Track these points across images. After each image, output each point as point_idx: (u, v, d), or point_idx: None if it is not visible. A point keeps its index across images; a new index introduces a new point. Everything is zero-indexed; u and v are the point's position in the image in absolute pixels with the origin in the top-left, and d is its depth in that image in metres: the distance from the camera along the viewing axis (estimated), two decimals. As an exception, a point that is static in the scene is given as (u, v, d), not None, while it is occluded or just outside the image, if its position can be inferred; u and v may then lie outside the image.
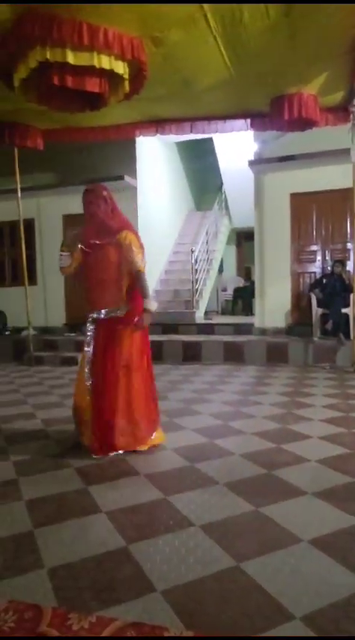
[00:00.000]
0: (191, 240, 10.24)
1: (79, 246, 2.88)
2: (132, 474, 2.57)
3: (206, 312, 9.52)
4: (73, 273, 2.99)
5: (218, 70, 3.86)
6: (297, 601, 1.48)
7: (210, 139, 9.84)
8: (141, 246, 2.86)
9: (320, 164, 7.03)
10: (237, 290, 11.54)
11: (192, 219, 11.59)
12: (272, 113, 4.48)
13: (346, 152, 5.39)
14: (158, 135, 5.26)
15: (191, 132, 5.13)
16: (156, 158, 9.60)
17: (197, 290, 8.90)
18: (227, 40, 3.41)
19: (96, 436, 2.83)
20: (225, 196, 11.64)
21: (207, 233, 10.05)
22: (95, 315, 2.88)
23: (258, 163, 7.48)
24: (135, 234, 2.87)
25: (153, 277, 9.31)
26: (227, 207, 11.90)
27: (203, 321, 8.65)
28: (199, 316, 8.83)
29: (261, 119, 4.88)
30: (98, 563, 1.73)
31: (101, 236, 2.82)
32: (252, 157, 7.70)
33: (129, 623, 1.39)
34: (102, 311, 2.86)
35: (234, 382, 5.15)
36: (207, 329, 7.97)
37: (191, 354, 6.79)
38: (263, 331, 7.57)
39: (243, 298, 11.07)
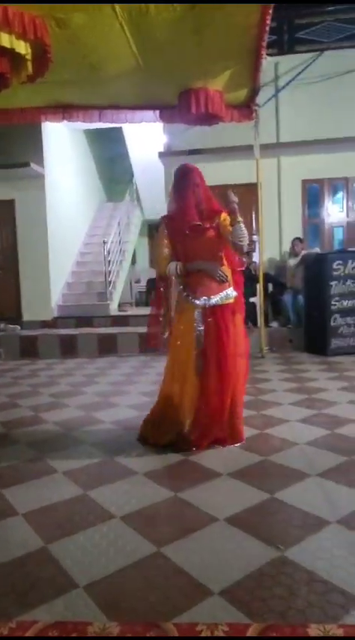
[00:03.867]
0: (103, 232, 10.07)
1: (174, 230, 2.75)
2: (49, 472, 2.50)
3: (120, 304, 9.47)
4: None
5: (125, 58, 3.81)
6: (215, 577, 1.55)
7: (120, 128, 9.72)
8: None
9: (227, 158, 7.27)
10: (150, 281, 11.61)
11: (103, 209, 11.40)
12: (180, 106, 4.52)
13: (250, 148, 5.64)
14: (65, 121, 5.08)
15: (100, 120, 5.01)
16: (64, 145, 9.27)
17: (110, 282, 8.80)
18: (134, 29, 3.37)
19: (224, 427, 2.76)
20: (137, 187, 11.60)
21: (119, 224, 9.95)
22: (203, 302, 2.72)
23: (168, 155, 7.55)
24: None
25: (64, 269, 9.03)
26: (138, 199, 11.87)
27: (117, 313, 8.60)
28: (113, 308, 8.76)
29: (169, 111, 4.90)
30: (17, 566, 1.67)
31: (203, 218, 2.70)
32: (161, 149, 7.75)
33: (50, 624, 1.37)
34: (214, 297, 2.73)
35: (151, 373, 5.20)
36: (121, 321, 7.93)
37: (106, 347, 6.72)
38: (177, 321, 7.70)
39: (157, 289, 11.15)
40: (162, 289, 2.94)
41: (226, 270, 2.81)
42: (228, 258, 2.87)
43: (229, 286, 2.80)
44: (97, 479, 2.40)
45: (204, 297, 2.74)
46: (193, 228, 2.71)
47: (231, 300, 2.79)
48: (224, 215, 2.71)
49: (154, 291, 3.01)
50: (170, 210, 2.88)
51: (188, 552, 1.71)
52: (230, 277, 2.81)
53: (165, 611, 1.42)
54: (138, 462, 2.58)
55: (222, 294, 2.76)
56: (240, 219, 2.57)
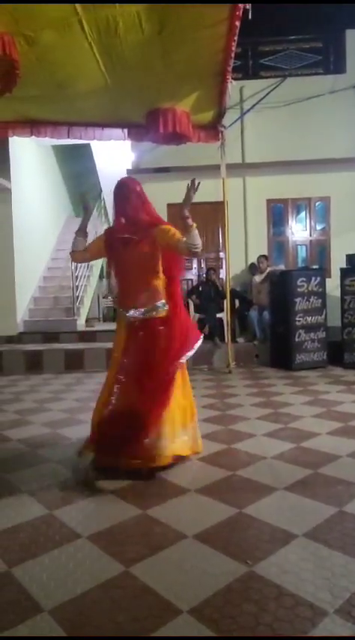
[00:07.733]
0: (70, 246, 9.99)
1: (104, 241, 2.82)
2: (12, 491, 2.42)
3: (87, 320, 9.38)
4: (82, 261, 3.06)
5: (94, 77, 3.85)
6: (184, 595, 1.54)
7: (88, 144, 9.75)
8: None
9: (194, 177, 7.39)
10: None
11: (71, 224, 11.32)
12: (148, 125, 4.60)
13: (217, 168, 5.78)
14: (33, 137, 5.06)
15: (68, 137, 5.03)
16: (31, 160, 9.20)
17: (78, 297, 8.72)
18: (102, 49, 3.43)
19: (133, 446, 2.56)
20: (105, 203, 11.61)
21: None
22: (131, 314, 2.68)
23: (136, 173, 7.62)
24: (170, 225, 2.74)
25: (31, 284, 8.89)
26: (106, 214, 11.87)
27: (84, 329, 8.51)
28: (80, 324, 8.66)
29: (137, 130, 4.97)
30: (-23, 593, 1.60)
31: (135, 232, 2.67)
32: (129, 166, 7.82)
33: (14, 651, 1.32)
34: (140, 310, 2.67)
35: (117, 389, 5.14)
36: (88, 336, 7.85)
37: (73, 363, 6.63)
38: (145, 337, 7.68)
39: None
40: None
41: (161, 283, 2.73)
42: (169, 267, 2.77)
43: (160, 299, 2.70)
44: (63, 498, 2.34)
45: (132, 310, 2.69)
46: (122, 240, 2.70)
47: (162, 314, 2.69)
48: (164, 227, 2.66)
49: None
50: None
51: (156, 571, 1.69)
52: (162, 289, 2.72)
53: (134, 631, 1.39)
54: (105, 480, 2.54)
55: (150, 306, 2.68)
56: (193, 224, 2.54)
